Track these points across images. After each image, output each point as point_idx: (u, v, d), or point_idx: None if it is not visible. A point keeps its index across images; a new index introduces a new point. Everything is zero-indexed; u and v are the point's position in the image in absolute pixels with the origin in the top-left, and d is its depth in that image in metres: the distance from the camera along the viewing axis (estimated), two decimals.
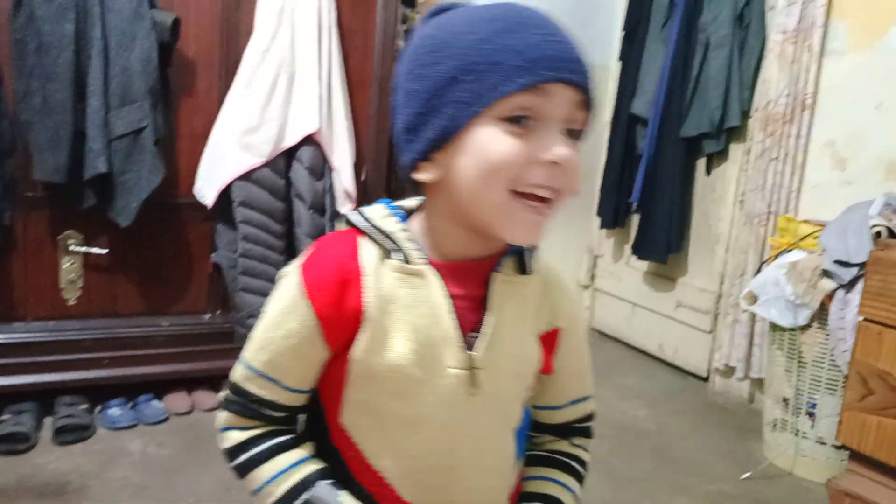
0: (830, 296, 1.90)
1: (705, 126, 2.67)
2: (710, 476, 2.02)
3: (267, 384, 0.68)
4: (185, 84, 2.09)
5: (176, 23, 1.93)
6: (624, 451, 2.15)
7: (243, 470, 0.69)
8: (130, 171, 1.89)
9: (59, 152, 1.80)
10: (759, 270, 2.32)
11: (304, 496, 0.66)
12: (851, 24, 2.32)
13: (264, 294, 1.64)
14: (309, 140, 2.06)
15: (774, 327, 2.12)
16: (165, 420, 2.04)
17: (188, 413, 2.10)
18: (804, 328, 1.99)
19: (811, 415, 2.02)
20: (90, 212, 1.92)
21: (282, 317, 0.66)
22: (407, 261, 0.65)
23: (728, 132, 2.70)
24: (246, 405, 0.69)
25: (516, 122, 0.60)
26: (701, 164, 2.88)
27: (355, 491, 0.68)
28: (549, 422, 0.80)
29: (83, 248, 2.01)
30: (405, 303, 0.64)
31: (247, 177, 2.01)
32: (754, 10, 2.56)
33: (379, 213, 0.68)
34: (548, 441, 0.81)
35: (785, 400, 2.09)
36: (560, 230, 3.42)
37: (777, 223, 2.32)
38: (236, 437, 0.70)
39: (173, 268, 2.18)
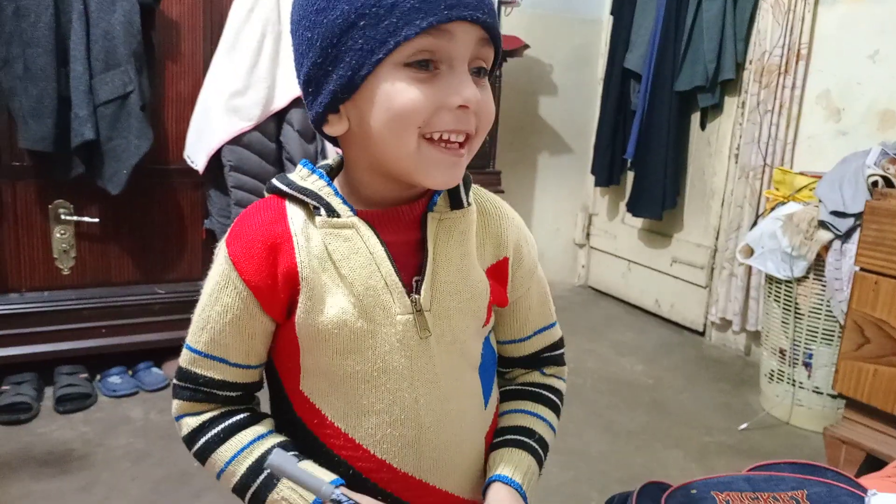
0: (827, 247, 1.90)
1: (699, 79, 2.64)
2: (708, 427, 2.05)
3: (213, 364, 0.66)
4: (170, 47, 2.04)
5: None
6: (622, 405, 2.17)
7: (202, 455, 0.67)
8: (118, 138, 1.85)
9: (44, 120, 1.77)
10: (754, 224, 2.32)
11: (268, 470, 0.64)
12: None
13: None
14: (299, 102, 2.02)
15: (771, 280, 2.12)
16: (166, 387, 2.05)
17: None
18: (800, 280, 1.99)
19: (807, 365, 2.04)
20: (79, 180, 1.89)
21: (216, 293, 0.65)
22: (335, 215, 0.63)
23: (723, 85, 2.67)
24: (196, 389, 0.67)
25: (420, 66, 0.57)
26: (695, 118, 2.86)
27: (327, 459, 0.66)
28: (518, 354, 0.78)
29: (74, 218, 1.99)
30: (339, 257, 0.62)
31: (237, 141, 1.98)
32: None
33: (300, 174, 0.67)
34: (519, 374, 0.79)
35: (781, 351, 2.11)
36: (554, 189, 3.40)
37: (773, 176, 2.32)
38: (191, 423, 0.67)
39: (167, 235, 2.16)
